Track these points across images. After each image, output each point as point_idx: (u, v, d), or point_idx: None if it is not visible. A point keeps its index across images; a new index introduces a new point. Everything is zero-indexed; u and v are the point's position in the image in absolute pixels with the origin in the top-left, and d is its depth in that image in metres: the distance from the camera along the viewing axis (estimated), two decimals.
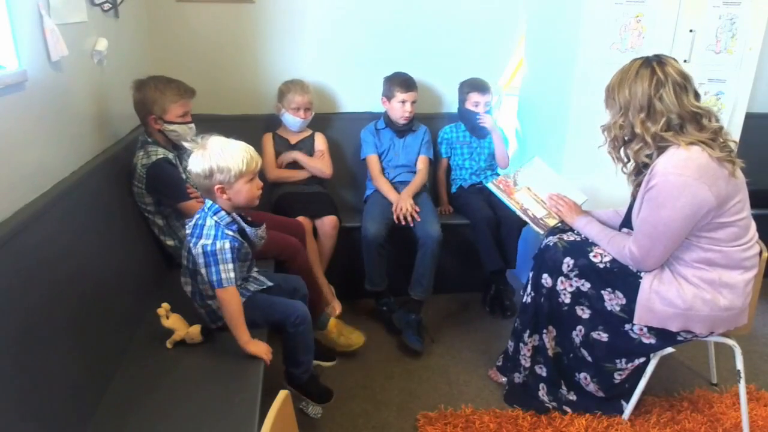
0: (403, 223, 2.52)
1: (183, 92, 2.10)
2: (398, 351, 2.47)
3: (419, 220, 2.53)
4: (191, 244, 1.70)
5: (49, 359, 1.35)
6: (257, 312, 1.78)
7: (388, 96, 2.75)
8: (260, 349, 1.69)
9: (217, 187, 1.67)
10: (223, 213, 1.70)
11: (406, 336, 2.47)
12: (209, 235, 1.67)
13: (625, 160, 1.86)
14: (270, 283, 1.90)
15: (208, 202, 1.72)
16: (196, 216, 1.73)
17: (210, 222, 1.69)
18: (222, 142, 1.68)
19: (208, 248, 1.65)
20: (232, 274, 1.67)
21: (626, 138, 1.79)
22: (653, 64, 1.73)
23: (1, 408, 1.15)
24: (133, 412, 1.48)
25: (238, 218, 1.75)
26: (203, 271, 1.68)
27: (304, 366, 1.91)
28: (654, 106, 1.71)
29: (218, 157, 1.64)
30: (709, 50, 2.45)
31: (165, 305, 1.71)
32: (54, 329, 1.40)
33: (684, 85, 1.72)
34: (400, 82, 2.71)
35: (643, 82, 1.71)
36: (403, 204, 2.54)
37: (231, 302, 1.68)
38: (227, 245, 1.66)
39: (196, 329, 1.74)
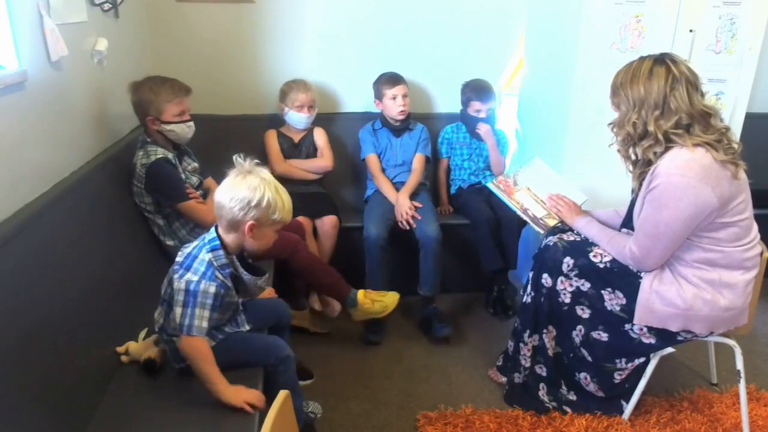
0: (407, 227, 2.53)
1: (177, 91, 2.08)
2: (398, 351, 2.46)
3: (419, 218, 2.53)
4: (176, 275, 1.49)
5: (49, 358, 1.35)
6: (230, 356, 1.56)
7: (379, 97, 2.77)
8: (241, 397, 1.45)
9: (249, 223, 1.47)
10: (221, 252, 1.50)
11: (433, 329, 2.50)
12: (197, 270, 1.48)
13: (633, 158, 1.84)
14: (247, 327, 1.70)
15: (210, 233, 1.53)
16: (194, 243, 1.55)
17: (204, 256, 1.50)
18: (273, 178, 1.51)
19: (192, 286, 1.46)
20: (206, 324, 1.46)
21: (639, 135, 1.78)
22: (667, 61, 1.72)
23: (2, 406, 1.15)
24: (134, 411, 1.48)
25: (237, 262, 1.56)
26: (178, 310, 1.46)
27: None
28: (668, 104, 1.70)
29: (270, 193, 1.47)
30: (709, 50, 2.45)
31: (127, 344, 1.65)
32: (54, 328, 1.40)
33: (695, 84, 1.72)
34: (386, 79, 2.73)
35: (659, 80, 1.70)
36: (401, 208, 2.56)
37: (198, 353, 1.46)
38: (212, 289, 1.47)
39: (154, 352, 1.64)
